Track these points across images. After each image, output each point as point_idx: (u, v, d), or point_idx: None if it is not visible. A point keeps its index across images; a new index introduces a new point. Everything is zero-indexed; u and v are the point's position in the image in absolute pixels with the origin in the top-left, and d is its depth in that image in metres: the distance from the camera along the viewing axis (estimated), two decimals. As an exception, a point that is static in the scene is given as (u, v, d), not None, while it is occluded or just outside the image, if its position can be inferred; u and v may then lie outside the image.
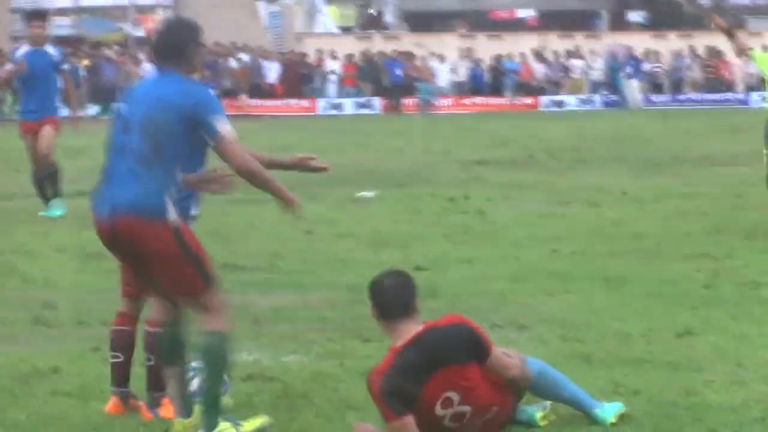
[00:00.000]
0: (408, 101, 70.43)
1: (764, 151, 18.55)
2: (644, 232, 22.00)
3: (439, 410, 10.15)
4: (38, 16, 24.49)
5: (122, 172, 11.00)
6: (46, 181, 23.98)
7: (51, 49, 24.05)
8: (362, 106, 70.90)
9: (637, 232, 21.84)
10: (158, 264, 10.93)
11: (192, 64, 11.58)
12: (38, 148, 23.75)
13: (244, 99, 69.29)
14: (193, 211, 11.97)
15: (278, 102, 69.90)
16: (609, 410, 10.90)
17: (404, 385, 9.87)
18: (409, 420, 9.98)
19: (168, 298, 11.20)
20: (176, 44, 11.54)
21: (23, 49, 24.88)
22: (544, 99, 73.67)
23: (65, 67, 24.86)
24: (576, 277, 17.11)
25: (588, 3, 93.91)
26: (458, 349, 10.07)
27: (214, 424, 10.84)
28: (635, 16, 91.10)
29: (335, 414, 10.92)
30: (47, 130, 23.35)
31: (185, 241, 10.97)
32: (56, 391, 11.78)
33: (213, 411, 10.91)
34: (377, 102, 71.31)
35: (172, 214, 10.92)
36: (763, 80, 18.32)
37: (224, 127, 11.21)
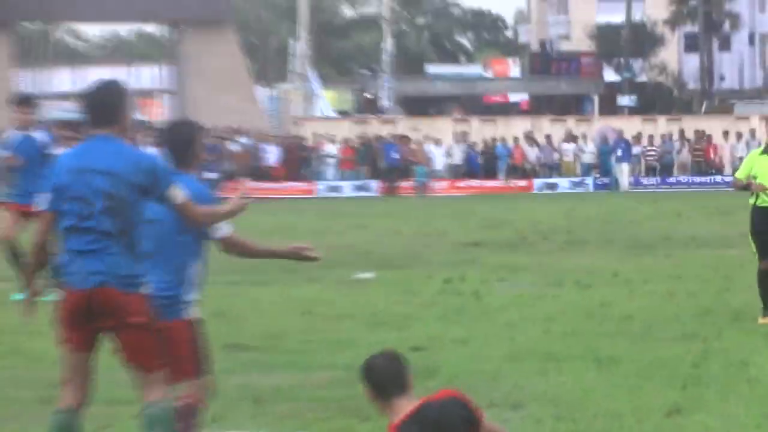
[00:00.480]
0: (404, 183, 70.62)
1: (750, 239, 18.64)
2: (634, 313, 22.02)
3: None
4: (26, 101, 24.16)
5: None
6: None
7: (38, 134, 23.56)
8: (360, 188, 71.03)
9: (627, 313, 21.83)
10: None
11: (124, 127, 11.67)
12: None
13: (245, 182, 69.31)
14: (192, 296, 11.97)
15: (278, 185, 70.03)
16: None
17: None
18: None
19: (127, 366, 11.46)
20: (111, 106, 11.59)
21: (11, 134, 24.42)
22: (538, 181, 73.83)
23: (52, 151, 24.30)
24: (568, 357, 17.07)
25: (578, 87, 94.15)
26: (455, 421, 10.11)
27: None
28: (625, 100, 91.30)
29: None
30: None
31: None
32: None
33: None
34: (374, 184, 71.47)
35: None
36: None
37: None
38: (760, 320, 17.72)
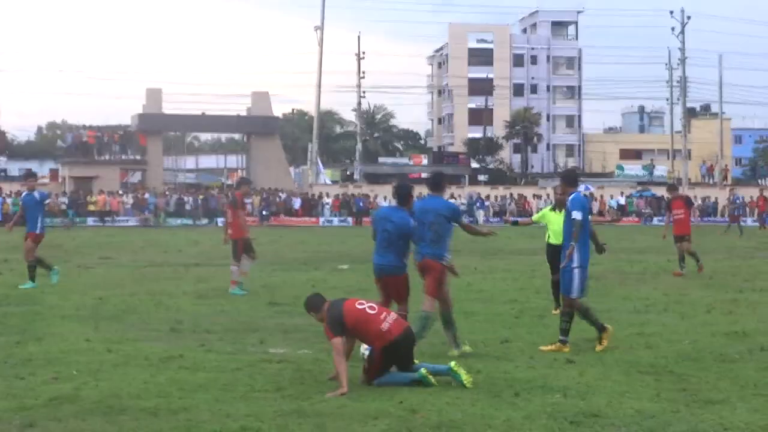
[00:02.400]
0: (366, 219, 70.46)
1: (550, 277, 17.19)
2: (494, 292, 21.53)
3: None
4: (32, 175, 23.45)
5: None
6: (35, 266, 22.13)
7: (36, 193, 22.51)
8: (342, 221, 70.74)
9: (485, 290, 21.33)
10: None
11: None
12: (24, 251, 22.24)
13: (283, 217, 69.07)
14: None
15: (299, 218, 69.67)
16: None
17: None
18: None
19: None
20: (439, 182, 13.33)
21: (24, 192, 23.45)
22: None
23: (48, 200, 23.48)
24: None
25: (458, 170, 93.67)
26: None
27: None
28: (482, 177, 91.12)
29: (323, 378, 10.76)
30: (28, 241, 21.91)
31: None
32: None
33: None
34: (351, 219, 71.18)
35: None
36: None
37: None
38: (554, 312, 16.13)
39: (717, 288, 21.66)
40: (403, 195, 12.99)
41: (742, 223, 54.05)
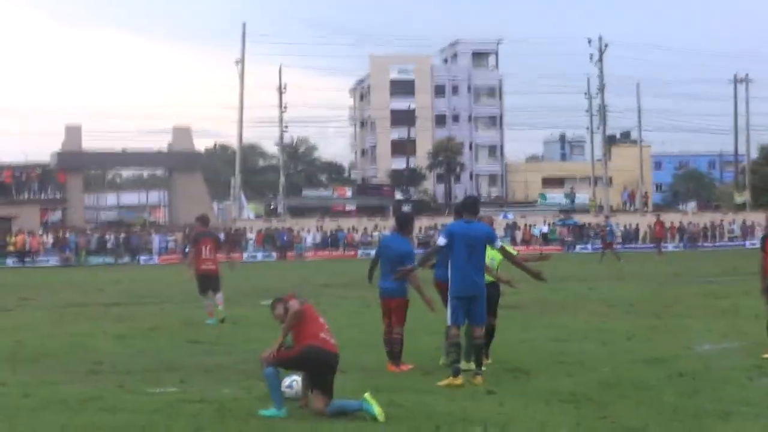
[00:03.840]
0: (289, 253, 70.25)
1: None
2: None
3: None
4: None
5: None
6: None
7: None
8: (266, 257, 70.43)
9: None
10: None
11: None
12: None
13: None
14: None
15: (222, 255, 69.18)
16: None
17: None
18: None
19: None
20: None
21: None
22: (360, 252, 73.17)
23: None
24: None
25: (378, 201, 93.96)
26: None
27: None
28: (406, 208, 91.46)
29: (244, 418, 10.63)
30: None
31: None
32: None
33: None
34: (275, 254, 70.91)
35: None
36: None
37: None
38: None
39: (637, 315, 21.92)
40: (403, 222, 14.27)
41: (616, 249, 55.39)
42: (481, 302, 12.94)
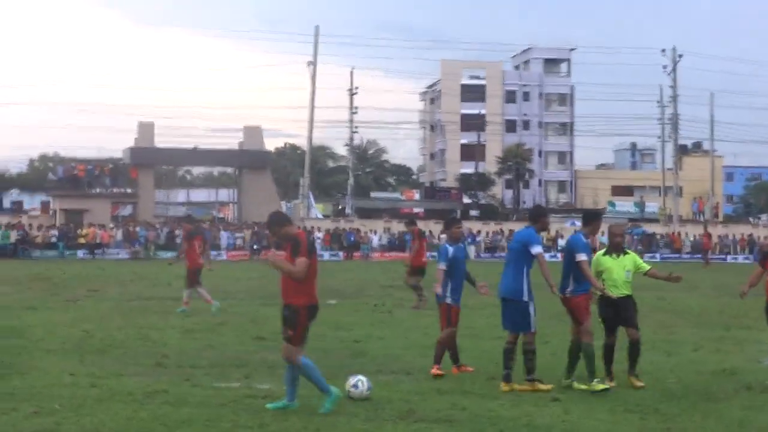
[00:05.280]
0: (356, 253, 70.32)
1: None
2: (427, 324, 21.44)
3: None
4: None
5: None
6: None
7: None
8: (333, 255, 70.47)
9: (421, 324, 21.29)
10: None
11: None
12: None
13: (273, 252, 68.52)
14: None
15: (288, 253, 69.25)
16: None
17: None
18: None
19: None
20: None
21: None
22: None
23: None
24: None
25: (450, 205, 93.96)
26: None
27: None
28: (474, 212, 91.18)
29: (306, 415, 10.68)
30: None
31: None
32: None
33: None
34: (341, 254, 71.01)
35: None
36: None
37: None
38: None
39: (704, 326, 21.64)
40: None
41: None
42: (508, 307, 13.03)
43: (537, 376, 12.86)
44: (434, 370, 13.80)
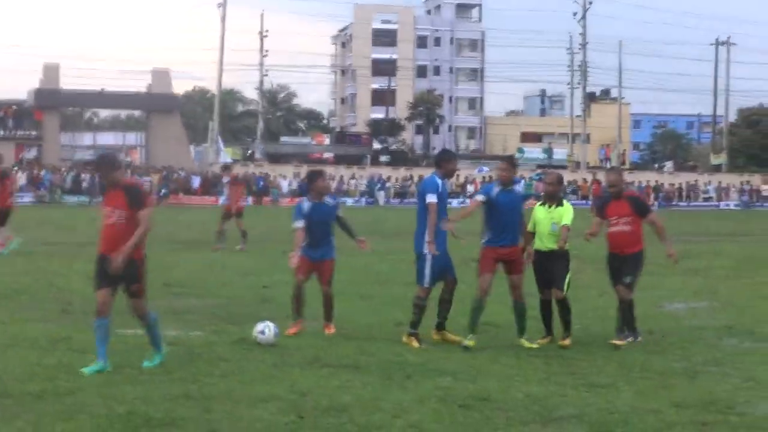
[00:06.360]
0: (266, 198, 70.04)
1: None
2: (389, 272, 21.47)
3: None
4: None
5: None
6: None
7: None
8: (242, 201, 70.00)
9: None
10: None
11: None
12: None
13: (182, 196, 68.20)
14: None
15: (198, 197, 68.91)
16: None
17: None
18: None
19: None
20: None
21: None
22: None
23: None
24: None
25: (360, 151, 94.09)
26: None
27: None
28: (384, 159, 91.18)
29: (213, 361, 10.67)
30: None
31: None
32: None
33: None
34: (250, 199, 70.65)
35: None
36: None
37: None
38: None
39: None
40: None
41: None
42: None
43: (418, 330, 12.34)
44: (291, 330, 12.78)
